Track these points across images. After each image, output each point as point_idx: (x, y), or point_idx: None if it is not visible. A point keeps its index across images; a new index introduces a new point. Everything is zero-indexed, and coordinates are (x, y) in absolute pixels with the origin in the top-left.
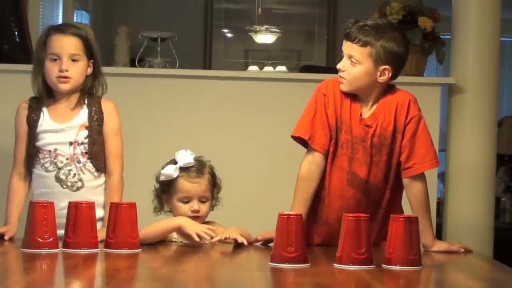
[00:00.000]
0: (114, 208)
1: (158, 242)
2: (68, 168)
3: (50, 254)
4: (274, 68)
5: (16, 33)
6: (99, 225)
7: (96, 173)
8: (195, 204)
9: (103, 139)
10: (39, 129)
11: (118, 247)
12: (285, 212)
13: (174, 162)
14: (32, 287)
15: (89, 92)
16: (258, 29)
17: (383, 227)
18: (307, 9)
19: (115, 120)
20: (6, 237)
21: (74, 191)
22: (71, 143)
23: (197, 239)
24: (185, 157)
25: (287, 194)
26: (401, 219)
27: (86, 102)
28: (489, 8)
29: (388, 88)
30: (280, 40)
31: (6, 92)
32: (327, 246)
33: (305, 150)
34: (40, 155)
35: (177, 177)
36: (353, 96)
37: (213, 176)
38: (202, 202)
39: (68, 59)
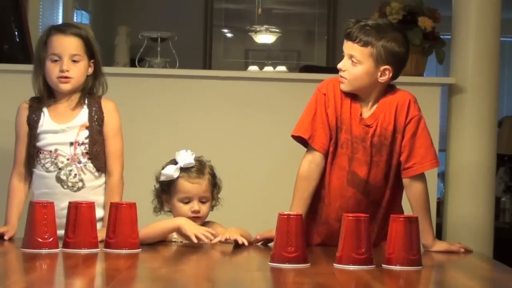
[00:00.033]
0: (114, 208)
1: (158, 242)
2: (69, 168)
3: (50, 254)
4: (274, 68)
5: (16, 33)
6: (99, 225)
7: (96, 173)
8: (195, 205)
9: (104, 139)
10: (39, 129)
11: (118, 247)
12: (285, 212)
13: (174, 162)
14: (32, 287)
15: (89, 92)
16: (258, 29)
17: (383, 227)
18: (307, 9)
19: (115, 120)
20: (6, 237)
21: (75, 191)
22: (71, 144)
23: (195, 240)
24: (186, 158)
25: (287, 194)
26: (401, 219)
27: (86, 102)
28: (489, 8)
29: (388, 88)
30: (280, 40)
31: (6, 92)
32: (327, 246)
33: (305, 150)
34: (41, 156)
35: (178, 177)
36: (353, 96)
37: (213, 176)
38: (203, 202)
39: (69, 59)
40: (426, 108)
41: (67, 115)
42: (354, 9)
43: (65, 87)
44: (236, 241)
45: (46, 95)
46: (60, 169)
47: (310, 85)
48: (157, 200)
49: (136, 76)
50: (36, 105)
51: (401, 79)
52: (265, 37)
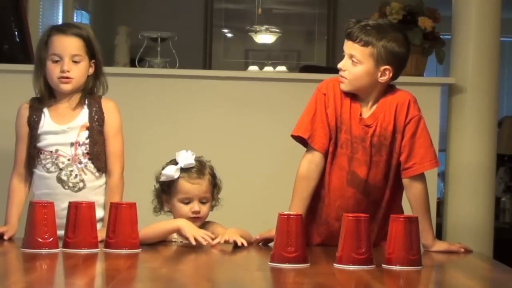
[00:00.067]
0: (114, 208)
1: (158, 242)
2: (70, 169)
3: (50, 254)
4: (274, 68)
5: (16, 33)
6: (100, 225)
7: (97, 174)
8: (195, 205)
9: (104, 139)
10: (40, 130)
11: (118, 247)
12: (285, 212)
13: (174, 162)
14: (32, 287)
15: (89, 92)
16: (258, 29)
17: (383, 227)
18: (307, 9)
19: (116, 120)
20: (5, 237)
21: (76, 191)
22: (72, 144)
23: (194, 243)
24: (186, 158)
25: (287, 194)
26: (401, 219)
27: (86, 102)
28: (489, 8)
29: (388, 88)
30: (280, 40)
31: (6, 92)
32: (327, 246)
33: (305, 150)
34: (42, 156)
35: (178, 178)
36: (353, 96)
37: (213, 177)
38: (203, 203)
39: (70, 60)
40: (426, 108)
41: (68, 115)
42: (354, 9)
43: (66, 87)
44: (235, 242)
45: (47, 95)
46: (61, 169)
47: (310, 85)
48: (157, 200)
49: (136, 76)
50: (37, 106)
51: (401, 79)
52: (265, 37)
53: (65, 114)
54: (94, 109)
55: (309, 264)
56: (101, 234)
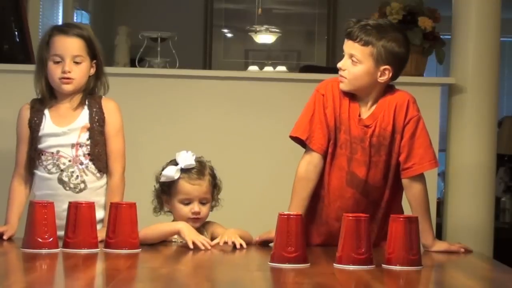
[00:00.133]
0: (114, 208)
1: (158, 242)
2: (71, 170)
3: (50, 254)
4: (274, 68)
5: (16, 33)
6: (100, 226)
7: (98, 174)
8: (195, 206)
9: (105, 139)
10: (41, 132)
11: (118, 247)
12: (285, 212)
13: (174, 163)
14: (32, 287)
15: (90, 92)
16: (258, 29)
17: (383, 227)
18: (307, 9)
19: (116, 120)
20: (5, 237)
21: (77, 192)
22: (73, 145)
23: (191, 246)
24: (186, 159)
25: (287, 194)
26: (401, 219)
27: (87, 103)
28: (489, 8)
29: (387, 88)
30: (280, 40)
31: (6, 92)
32: (327, 246)
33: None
34: (43, 157)
35: (178, 178)
36: (352, 96)
37: (213, 177)
38: (203, 203)
39: (71, 60)
40: (426, 108)
41: (69, 116)
42: (354, 9)
43: (67, 88)
44: (234, 244)
45: (48, 96)
46: (62, 170)
47: (310, 85)
48: (157, 201)
49: (136, 76)
50: (38, 107)
51: (401, 79)
52: (265, 37)
53: (66, 115)
54: (95, 109)
55: (309, 264)
56: (101, 234)
